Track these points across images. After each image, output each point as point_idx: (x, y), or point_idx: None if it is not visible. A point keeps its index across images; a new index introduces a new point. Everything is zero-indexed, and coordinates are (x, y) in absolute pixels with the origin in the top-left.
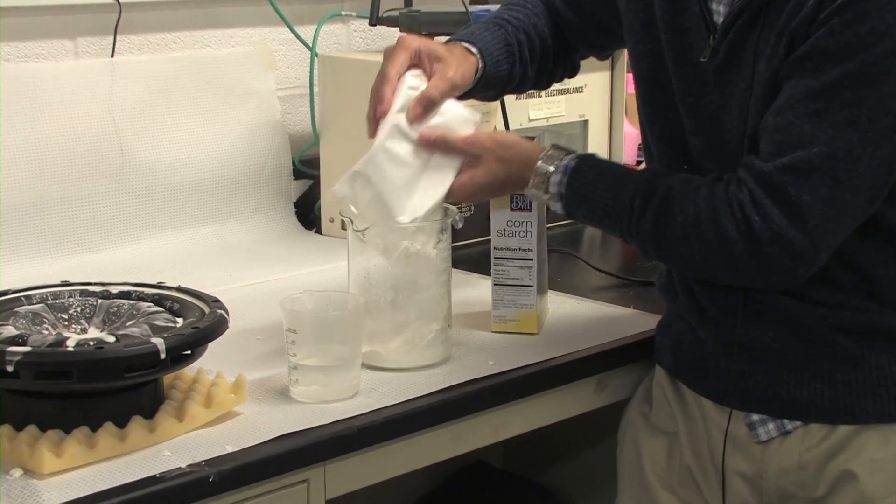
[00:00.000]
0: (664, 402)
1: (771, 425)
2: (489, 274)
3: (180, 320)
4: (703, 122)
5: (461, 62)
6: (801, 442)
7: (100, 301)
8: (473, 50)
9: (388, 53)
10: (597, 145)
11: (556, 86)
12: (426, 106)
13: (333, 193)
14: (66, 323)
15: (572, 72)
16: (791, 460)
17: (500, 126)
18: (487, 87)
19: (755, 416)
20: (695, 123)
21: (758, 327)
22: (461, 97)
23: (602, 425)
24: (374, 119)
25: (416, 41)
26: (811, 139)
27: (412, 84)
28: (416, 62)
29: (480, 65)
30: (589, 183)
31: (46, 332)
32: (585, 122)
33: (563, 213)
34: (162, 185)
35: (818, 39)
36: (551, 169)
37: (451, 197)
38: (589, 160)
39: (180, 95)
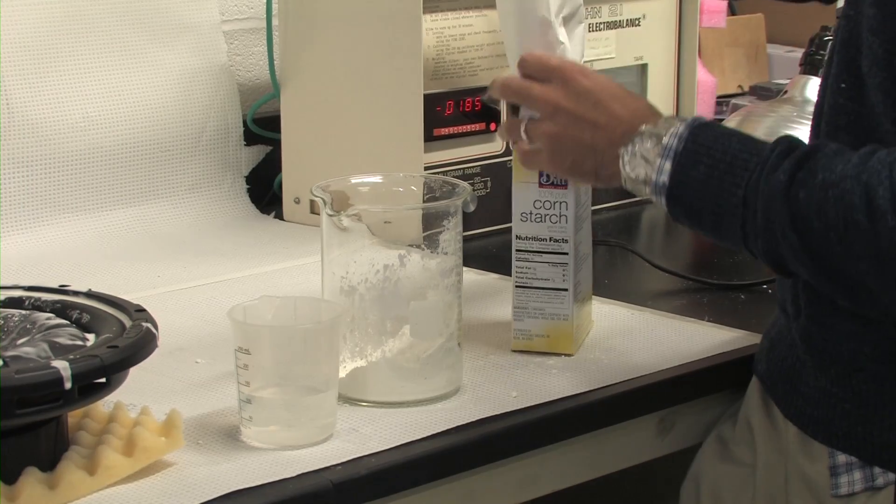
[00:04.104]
0: (746, 426)
1: (857, 474)
2: (510, 274)
3: (92, 337)
4: None
5: None
6: None
7: None
8: None
9: None
10: (659, 96)
11: (604, 17)
12: None
13: None
14: None
15: None
16: None
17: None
18: None
19: (841, 458)
20: None
21: (856, 334)
22: None
23: (665, 481)
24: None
25: None
26: None
27: None
28: None
29: None
30: (718, 136)
31: None
32: (643, 67)
33: (668, 178)
34: (64, 152)
35: None
36: (671, 121)
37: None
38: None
39: (89, 30)
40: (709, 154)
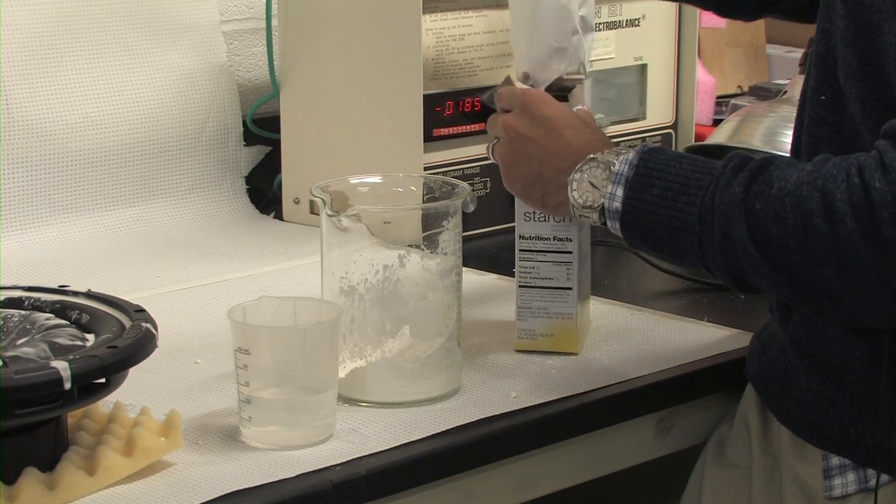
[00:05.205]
0: (744, 427)
1: (851, 476)
2: (510, 274)
3: (91, 337)
4: None
5: None
6: None
7: None
8: None
9: None
10: (658, 96)
11: (604, 17)
12: None
13: None
14: None
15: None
16: None
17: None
18: None
19: (835, 460)
20: None
21: (846, 337)
22: None
23: (664, 481)
24: None
25: None
26: None
27: None
28: None
29: None
30: (669, 159)
31: None
32: (643, 67)
33: (622, 204)
34: (63, 152)
35: None
36: (621, 151)
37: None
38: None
39: (88, 30)
40: (660, 177)
